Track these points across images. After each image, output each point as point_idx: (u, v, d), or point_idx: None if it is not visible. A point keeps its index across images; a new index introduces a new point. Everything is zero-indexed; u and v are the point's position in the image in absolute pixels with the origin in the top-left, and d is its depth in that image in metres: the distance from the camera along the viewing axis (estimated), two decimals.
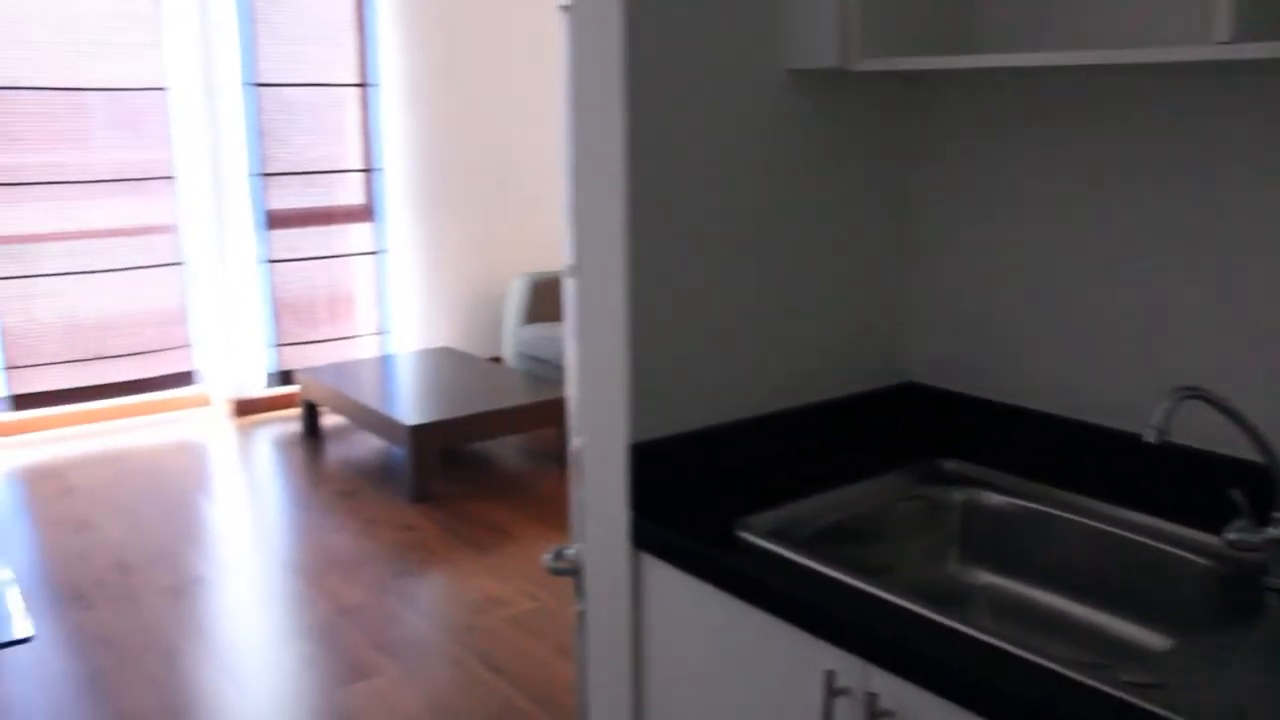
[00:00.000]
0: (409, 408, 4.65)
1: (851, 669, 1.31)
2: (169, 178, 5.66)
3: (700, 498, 1.63)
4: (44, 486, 4.82)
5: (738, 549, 1.47)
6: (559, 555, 2.13)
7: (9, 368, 5.46)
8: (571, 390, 2.46)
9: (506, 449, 5.19)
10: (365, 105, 5.93)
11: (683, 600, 1.54)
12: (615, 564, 1.66)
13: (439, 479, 4.73)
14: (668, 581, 1.56)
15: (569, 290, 2.42)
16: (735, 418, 1.71)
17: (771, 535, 1.49)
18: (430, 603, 3.63)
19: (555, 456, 5.02)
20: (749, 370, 1.73)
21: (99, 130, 5.48)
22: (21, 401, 5.52)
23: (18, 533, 4.28)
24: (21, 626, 1.66)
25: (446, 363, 5.47)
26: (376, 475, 4.86)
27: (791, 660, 1.39)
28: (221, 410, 5.90)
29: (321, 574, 3.85)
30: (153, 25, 5.50)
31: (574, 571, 2.08)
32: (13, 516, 4.46)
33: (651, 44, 1.54)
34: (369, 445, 5.29)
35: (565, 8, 2.27)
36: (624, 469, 1.61)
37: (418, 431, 4.41)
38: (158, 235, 5.69)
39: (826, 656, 1.34)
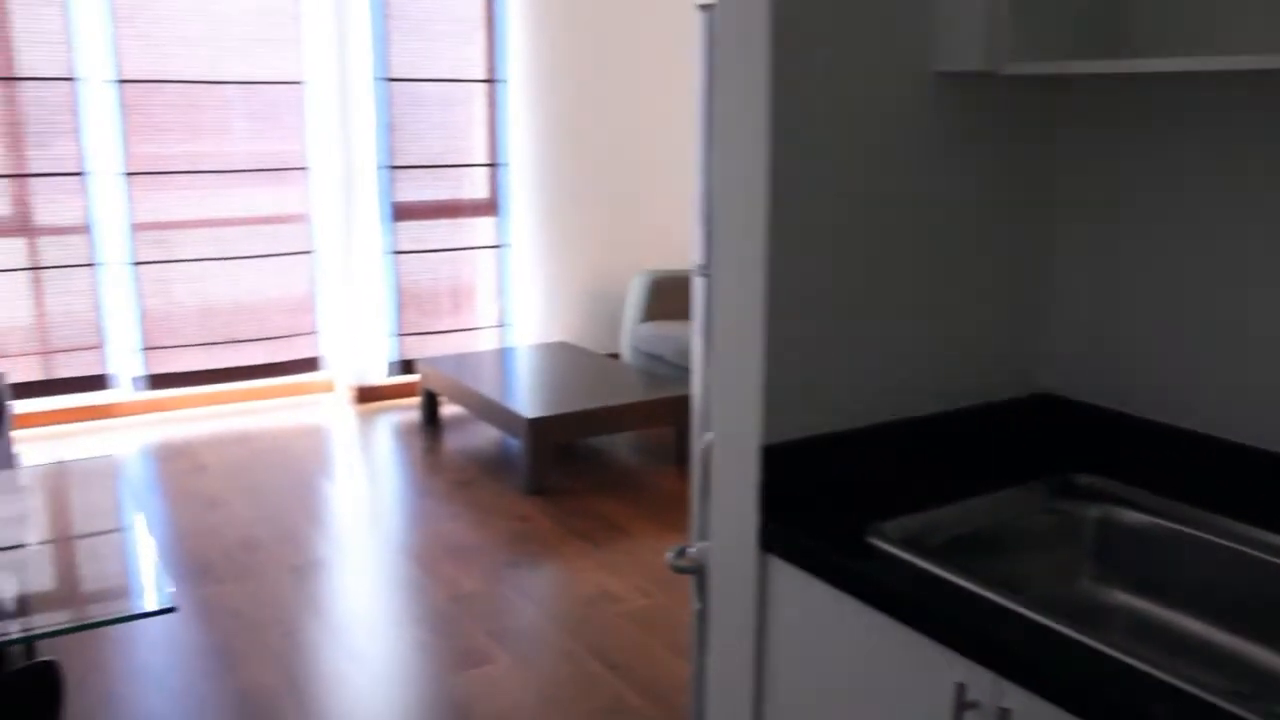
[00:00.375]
0: (528, 401, 4.70)
1: (983, 683, 1.29)
2: (302, 169, 5.83)
3: (830, 502, 1.62)
4: (177, 463, 5.00)
5: (869, 555, 1.46)
6: (681, 553, 2.14)
7: (146, 349, 5.68)
8: (696, 389, 2.46)
9: (620, 445, 5.22)
10: (493, 101, 6.01)
11: (810, 605, 1.54)
12: (741, 565, 1.65)
13: (554, 472, 4.78)
14: (795, 585, 1.56)
15: (698, 289, 2.42)
16: (867, 423, 1.70)
17: (903, 543, 1.47)
18: (543, 594, 3.67)
19: (669, 454, 5.03)
20: (882, 375, 1.71)
21: (238, 122, 5.66)
22: (157, 381, 5.73)
23: (152, 506, 4.45)
24: (166, 597, 1.73)
25: (565, 357, 5.53)
26: (492, 466, 4.93)
27: (921, 671, 1.37)
28: (344, 396, 6.05)
29: (437, 560, 3.92)
30: (292, 22, 5.66)
31: (695, 570, 2.09)
32: (147, 491, 4.64)
33: (798, 44, 1.53)
34: (486, 436, 5.37)
35: (704, 7, 2.27)
36: (754, 471, 1.61)
37: (536, 424, 4.46)
38: (290, 224, 5.86)
39: (957, 668, 1.32)
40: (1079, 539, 1.69)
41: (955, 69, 1.64)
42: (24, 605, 1.97)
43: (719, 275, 1.67)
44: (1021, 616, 1.30)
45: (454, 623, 3.47)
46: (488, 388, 4.93)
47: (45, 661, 1.30)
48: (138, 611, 1.80)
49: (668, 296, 5.91)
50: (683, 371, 5.45)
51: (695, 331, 2.47)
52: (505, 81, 6.01)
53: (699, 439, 2.45)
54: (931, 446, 1.78)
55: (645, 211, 6.47)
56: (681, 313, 5.91)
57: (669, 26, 6.33)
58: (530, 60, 6.05)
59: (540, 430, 4.48)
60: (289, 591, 3.69)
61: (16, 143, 5.27)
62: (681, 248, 6.54)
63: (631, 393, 4.86)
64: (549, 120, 6.17)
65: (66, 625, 1.81)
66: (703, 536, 2.29)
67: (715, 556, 1.74)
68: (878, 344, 1.70)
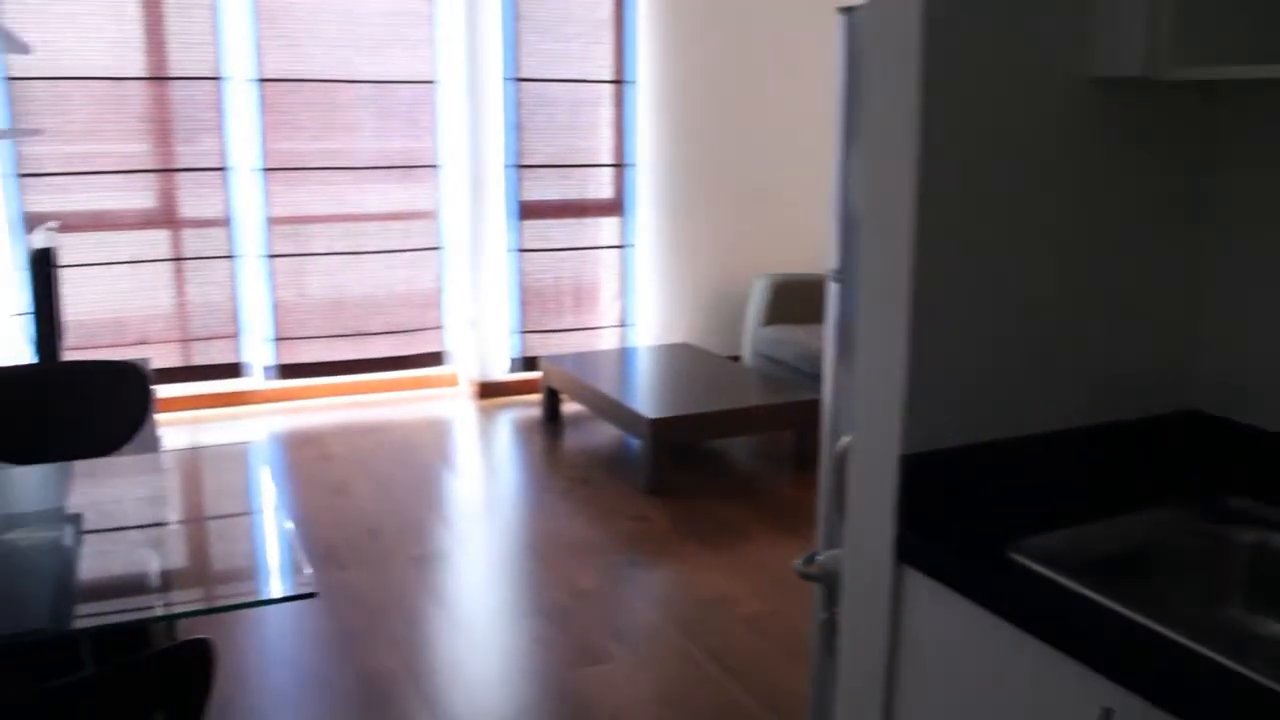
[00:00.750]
0: (649, 401, 4.72)
1: (1132, 709, 1.25)
2: (432, 166, 5.94)
3: (969, 515, 1.59)
4: (305, 451, 5.14)
5: (1010, 571, 1.43)
6: (809, 560, 2.12)
7: (278, 339, 5.85)
8: (827, 394, 2.44)
9: (738, 448, 5.20)
10: (620, 102, 6.05)
11: (947, 619, 1.51)
12: (875, 576, 1.63)
13: (673, 473, 4.79)
14: (932, 598, 1.53)
15: (832, 294, 2.40)
16: (1009, 434, 1.66)
17: (1046, 560, 1.43)
18: (661, 594, 3.68)
19: (787, 459, 4.99)
20: (1028, 387, 1.67)
21: (371, 120, 5.80)
22: (287, 371, 5.90)
23: (282, 492, 4.58)
24: (308, 581, 1.77)
25: (686, 359, 5.53)
26: (611, 464, 4.96)
27: (1065, 693, 1.33)
28: (467, 391, 6.15)
29: (556, 556, 3.95)
30: (425, 22, 5.78)
31: (824, 578, 2.07)
32: (277, 476, 4.78)
33: (951, 49, 1.50)
34: (605, 434, 5.40)
35: (846, 9, 2.25)
36: (892, 480, 1.58)
37: (657, 425, 4.47)
38: (419, 221, 5.98)
39: (1104, 693, 1.28)
40: (1230, 564, 1.63)
41: (1113, 74, 1.59)
42: (166, 582, 2.04)
43: (862, 281, 1.65)
44: (1176, 643, 1.25)
45: (572, 618, 3.49)
46: (609, 387, 4.95)
47: (201, 639, 1.34)
48: (281, 595, 1.85)
49: (790, 300, 5.88)
50: (804, 376, 5.40)
51: (828, 337, 2.45)
52: (633, 83, 6.04)
53: (829, 445, 2.42)
54: (1076, 462, 1.73)
55: (769, 214, 6.44)
56: (804, 316, 5.86)
57: (799, 28, 6.29)
58: (658, 61, 6.07)
59: (661, 431, 4.49)
60: (411, 580, 3.76)
61: (165, 139, 5.48)
62: (805, 251, 6.50)
63: (752, 396, 4.84)
64: (675, 121, 6.18)
65: (213, 605, 1.88)
66: (831, 544, 2.27)
67: (847, 566, 1.72)
68: (1025, 355, 1.66)
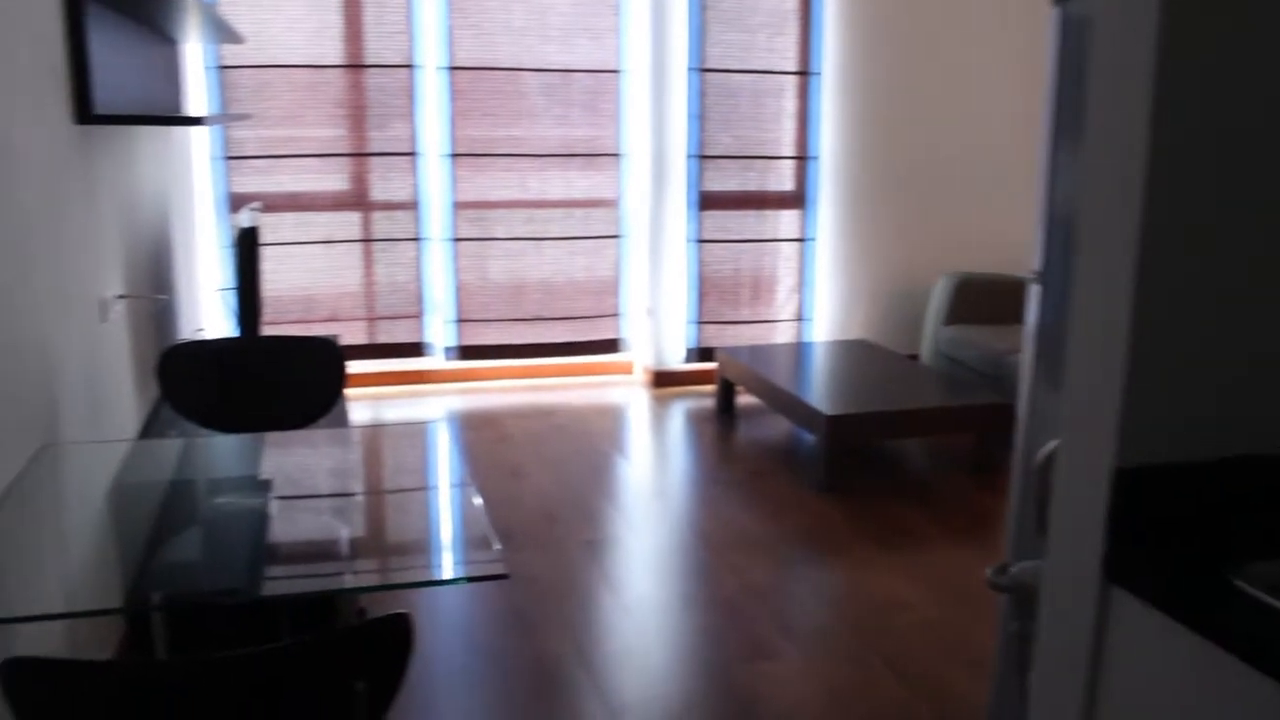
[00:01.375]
0: (826, 398, 4.65)
1: None
2: (615, 155, 5.98)
3: (1187, 535, 1.50)
4: (482, 432, 5.25)
5: (1233, 598, 1.34)
6: (1001, 570, 2.05)
7: (459, 320, 5.99)
8: (1024, 399, 2.35)
9: (914, 449, 5.09)
10: (804, 93, 5.97)
11: (1159, 645, 1.42)
12: (1079, 594, 1.56)
13: (847, 471, 4.71)
14: (1143, 621, 1.45)
15: (1032, 296, 2.31)
16: (1234, 453, 1.56)
17: (1275, 589, 1.34)
18: (833, 593, 3.62)
19: (967, 463, 4.85)
20: (1257, 403, 1.57)
21: (556, 108, 5.87)
22: (467, 352, 6.04)
23: (460, 468, 4.69)
24: (496, 558, 1.80)
25: (863, 356, 5.43)
26: (785, 459, 4.91)
27: None
28: (641, 379, 6.18)
29: (728, 548, 3.94)
30: (612, 12, 5.81)
31: (1017, 590, 1.99)
32: (456, 452, 4.89)
33: (1187, 43, 1.41)
34: (778, 428, 5.36)
35: (1060, 3, 2.15)
36: (1104, 494, 1.50)
37: (834, 422, 4.40)
38: (600, 209, 6.03)
39: None
40: None
41: None
42: (354, 552, 2.09)
43: (1078, 283, 1.57)
44: None
45: (743, 612, 3.47)
46: (786, 381, 4.90)
47: (401, 614, 1.37)
48: (470, 574, 1.88)
49: (974, 299, 5.71)
50: (985, 378, 5.25)
51: (1027, 340, 2.36)
52: (818, 74, 5.95)
53: (1023, 452, 2.34)
54: None
55: (955, 211, 6.27)
56: (988, 317, 5.69)
57: (997, 18, 6.09)
58: (845, 53, 5.97)
59: (838, 428, 4.42)
60: (584, 565, 3.80)
61: (359, 124, 5.67)
62: (991, 250, 6.30)
63: (932, 397, 4.72)
64: (861, 114, 6.07)
65: (406, 579, 1.93)
66: (1023, 555, 2.18)
67: (1048, 581, 1.65)
68: (1256, 369, 1.55)
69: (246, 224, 3.86)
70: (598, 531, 4.09)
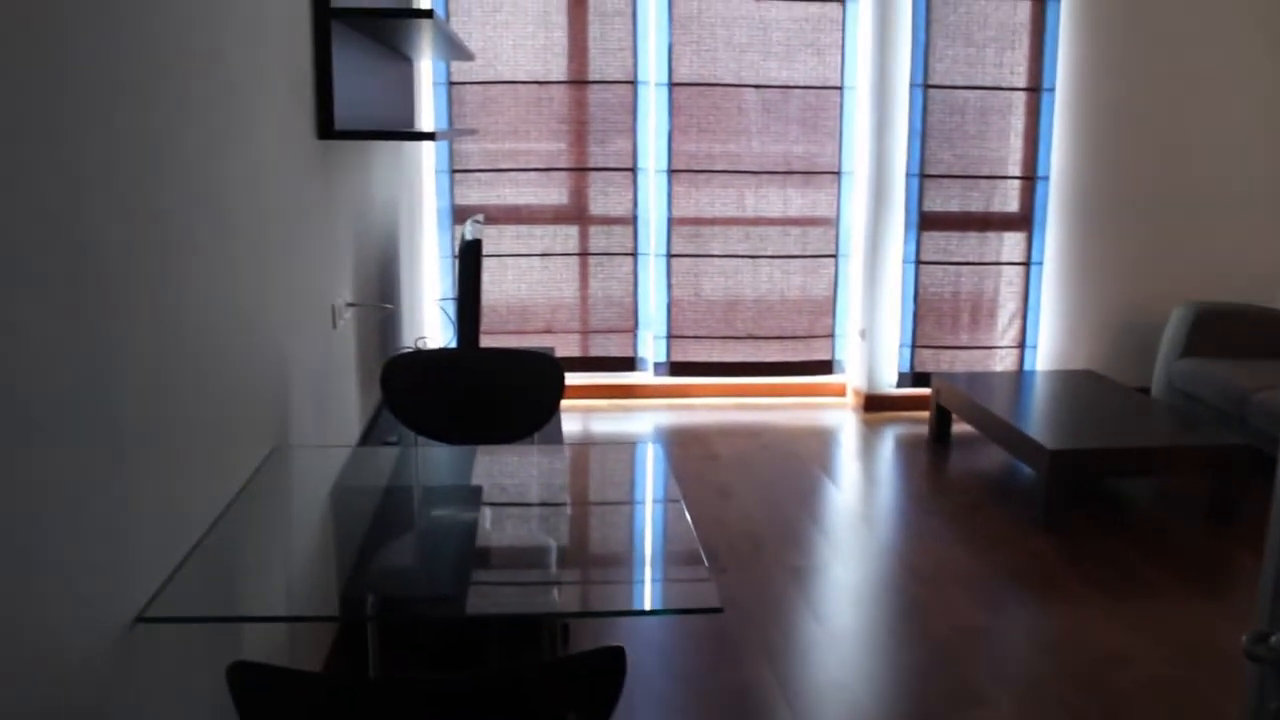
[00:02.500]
0: (1049, 430, 4.43)
1: None
2: (835, 173, 5.88)
3: None
4: (691, 449, 5.23)
5: None
6: (1261, 640, 1.87)
7: (671, 336, 6.00)
8: None
9: (1142, 490, 4.79)
10: (1035, 110, 5.73)
11: None
12: None
13: (1069, 509, 4.47)
14: None
15: None
16: None
17: None
18: (1051, 640, 3.43)
19: (1202, 508, 4.54)
20: None
21: (776, 125, 5.81)
22: (677, 368, 6.04)
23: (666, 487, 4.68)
24: (710, 593, 1.75)
25: (1090, 388, 5.16)
26: (1001, 492, 4.70)
27: None
28: (852, 402, 6.05)
29: (941, 584, 3.79)
30: (835, 27, 5.72)
31: (1278, 663, 1.81)
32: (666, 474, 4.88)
33: None
34: (995, 459, 5.14)
35: None
36: None
37: (1057, 457, 4.18)
38: (818, 227, 5.94)
39: None
40: None
41: None
42: (562, 566, 2.08)
43: None
44: None
45: (954, 653, 3.33)
46: (1006, 411, 4.70)
47: (616, 647, 1.34)
48: (687, 605, 1.85)
49: (1213, 331, 5.35)
50: (1225, 416, 4.90)
51: None
52: (1051, 90, 5.70)
53: None
54: None
55: (1194, 236, 5.90)
56: (1229, 350, 5.33)
57: (1245, 33, 5.71)
58: (1080, 68, 5.70)
59: (1061, 464, 4.20)
60: (789, 591, 3.72)
61: (580, 139, 5.75)
62: (1233, 278, 5.90)
63: (1164, 434, 4.43)
64: (1095, 133, 5.78)
65: (618, 608, 1.91)
66: None
67: None
68: None
69: (470, 236, 3.95)
70: (804, 558, 4.01)
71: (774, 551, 4.05)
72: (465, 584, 1.96)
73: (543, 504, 2.50)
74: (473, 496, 2.44)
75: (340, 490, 2.54)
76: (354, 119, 3.29)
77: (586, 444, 3.34)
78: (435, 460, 2.88)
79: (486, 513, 2.33)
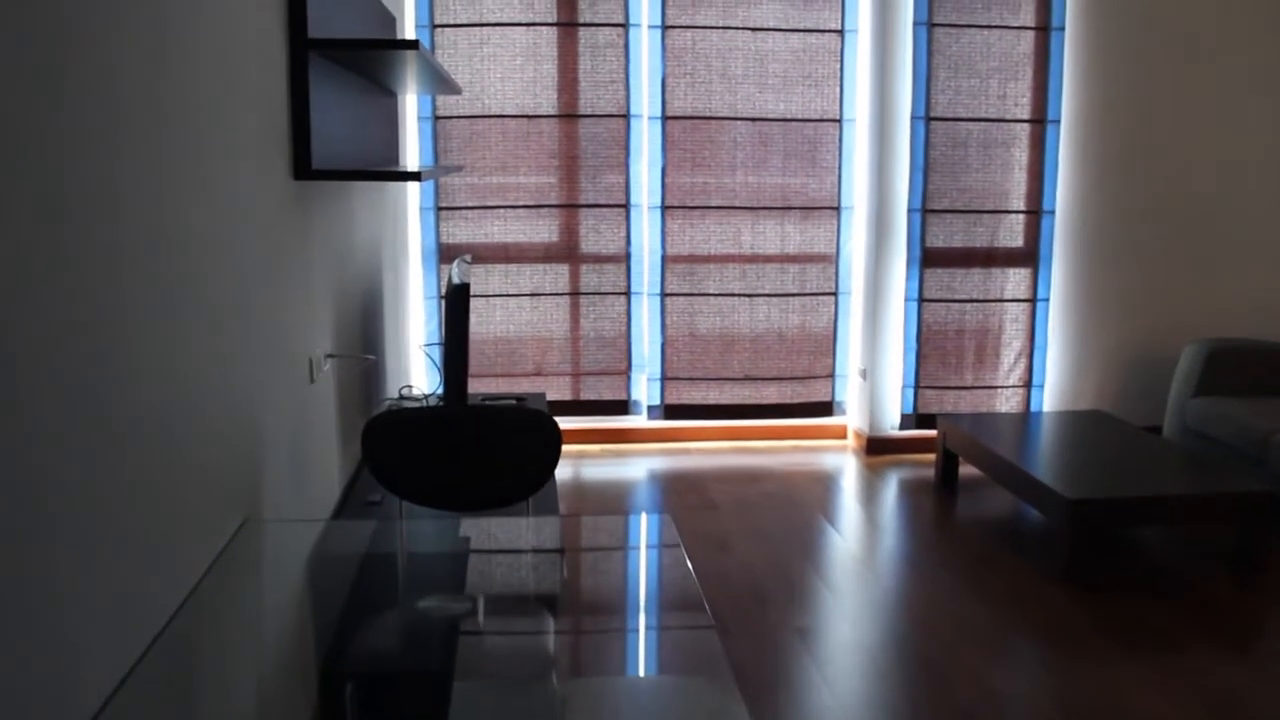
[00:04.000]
0: (1064, 477, 4.23)
1: None
2: (834, 208, 5.70)
3: None
4: (687, 497, 5.01)
5: None
6: None
7: (666, 378, 5.80)
8: None
9: (1160, 537, 4.59)
10: (1040, 143, 5.56)
11: None
12: None
13: (1087, 559, 4.27)
14: None
15: None
16: None
17: None
18: (1082, 705, 3.21)
19: (1224, 556, 4.34)
20: None
21: (772, 158, 5.64)
22: (673, 411, 5.83)
23: (663, 533, 4.46)
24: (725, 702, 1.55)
25: (1100, 429, 4.96)
26: (1013, 540, 4.50)
27: None
28: (853, 444, 5.85)
29: (958, 646, 3.57)
30: (834, 59, 5.56)
31: None
32: (659, 514, 4.67)
33: None
34: (1003, 502, 4.94)
35: None
36: None
37: (1076, 507, 3.98)
38: (816, 264, 5.76)
39: None
40: None
41: None
42: (554, 645, 1.89)
43: None
44: None
45: None
46: (1015, 455, 4.50)
47: None
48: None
49: (1230, 369, 5.17)
50: (1243, 458, 4.71)
51: None
52: (1056, 122, 5.54)
53: None
54: None
55: (1206, 271, 5.73)
56: (1246, 389, 5.15)
57: (1255, 64, 5.56)
58: (1085, 99, 5.55)
59: (1080, 514, 4.00)
60: (796, 655, 3.50)
61: (571, 175, 5.57)
62: (1248, 314, 5.74)
63: (1182, 480, 4.23)
64: (1101, 165, 5.62)
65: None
66: None
67: None
68: None
69: (458, 279, 3.75)
70: (810, 617, 3.79)
71: (779, 609, 3.83)
72: (449, 663, 1.75)
73: (534, 553, 2.29)
74: (469, 603, 2.23)
75: (316, 563, 2.32)
76: (334, 157, 3.09)
77: (582, 519, 3.13)
78: (417, 536, 2.68)
79: (472, 600, 2.12)
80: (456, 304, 3.77)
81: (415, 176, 2.85)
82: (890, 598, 3.95)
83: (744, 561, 4.25)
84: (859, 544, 4.47)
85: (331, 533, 2.66)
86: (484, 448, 2.69)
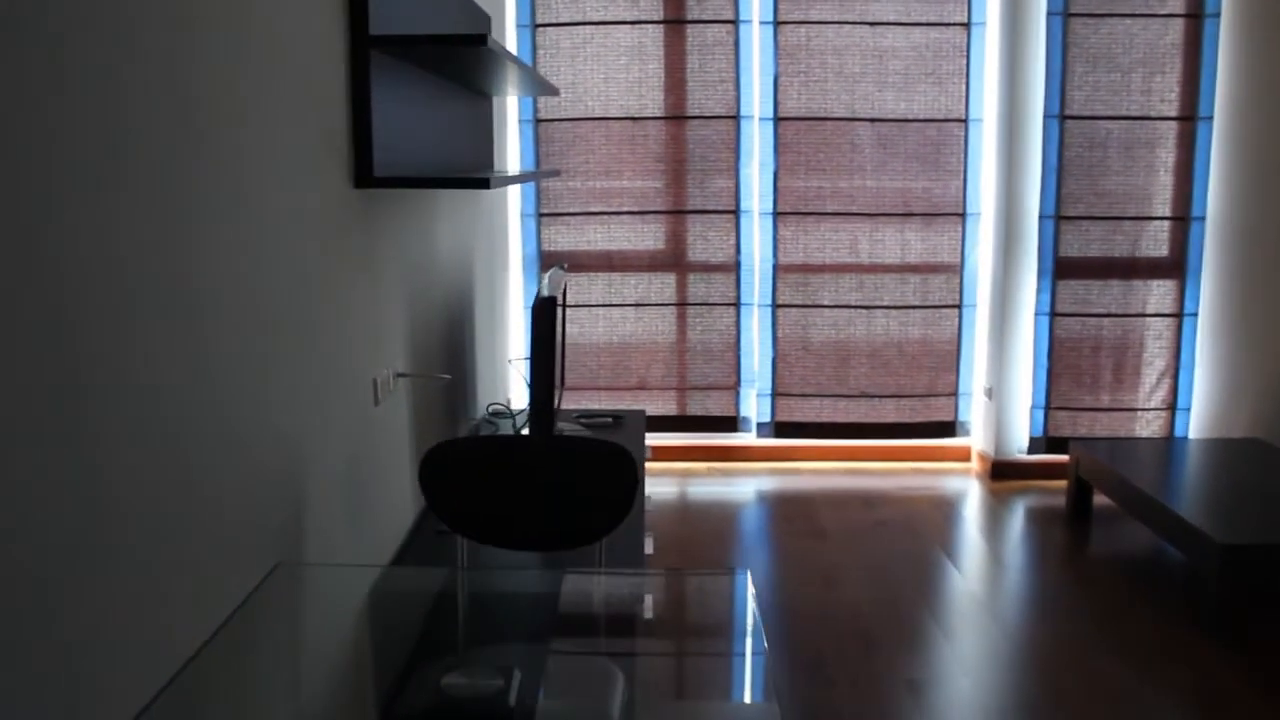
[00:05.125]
0: (1216, 517, 3.78)
1: None
2: (959, 214, 5.31)
3: None
4: (795, 524, 4.69)
5: None
6: None
7: (776, 394, 5.48)
8: None
9: None
10: (1189, 142, 5.09)
11: None
12: None
13: (1242, 613, 3.82)
14: None
15: None
16: None
17: None
18: None
19: None
20: None
21: (893, 162, 5.28)
22: (783, 429, 5.51)
23: (766, 571, 4.15)
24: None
25: (1256, 460, 4.48)
26: (1154, 584, 4.06)
27: None
28: (977, 468, 5.45)
29: (1092, 709, 3.18)
30: (960, 55, 5.17)
31: None
32: (763, 551, 4.36)
33: None
34: (1142, 539, 4.50)
35: None
36: None
37: (1230, 554, 3.55)
38: (939, 274, 5.38)
39: None
40: None
41: None
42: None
43: None
44: None
45: None
46: (1158, 489, 4.07)
47: None
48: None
49: None
50: None
51: None
52: (1208, 119, 5.05)
53: None
54: None
55: None
56: None
57: None
58: (1241, 93, 5.04)
59: (1235, 562, 3.56)
60: (908, 713, 3.16)
61: (678, 179, 5.30)
62: None
63: None
64: (1259, 166, 5.10)
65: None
66: None
67: None
68: None
69: (548, 291, 3.50)
70: (924, 668, 3.43)
71: (888, 657, 3.49)
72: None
73: (612, 644, 2.04)
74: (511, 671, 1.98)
75: (349, 616, 2.10)
76: (403, 164, 2.87)
77: (671, 576, 2.85)
78: (483, 584, 2.45)
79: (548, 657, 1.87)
80: (542, 318, 3.53)
81: (484, 184, 2.61)
82: (1013, 648, 3.57)
83: (851, 600, 3.92)
84: (980, 583, 4.10)
85: (383, 578, 2.44)
86: (552, 483, 2.44)
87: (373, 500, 2.78)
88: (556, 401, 4.13)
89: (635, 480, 2.41)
